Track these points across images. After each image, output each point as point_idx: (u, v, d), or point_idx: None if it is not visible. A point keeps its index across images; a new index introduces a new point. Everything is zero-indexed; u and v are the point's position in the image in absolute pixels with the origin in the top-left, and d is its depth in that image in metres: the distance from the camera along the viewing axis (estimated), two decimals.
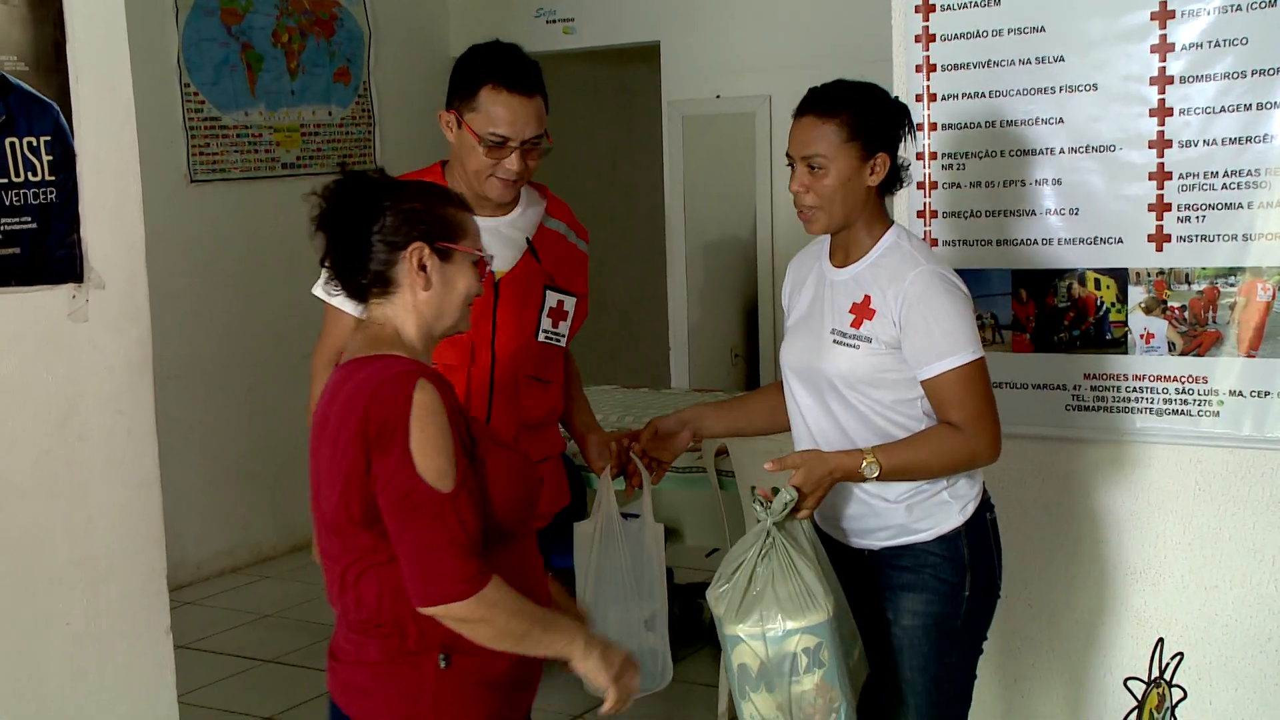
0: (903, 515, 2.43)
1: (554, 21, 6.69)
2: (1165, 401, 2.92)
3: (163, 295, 3.04)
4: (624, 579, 2.66)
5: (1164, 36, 2.83)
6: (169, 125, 5.49)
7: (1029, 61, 2.96)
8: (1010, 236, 3.03)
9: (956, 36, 3.03)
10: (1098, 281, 2.96)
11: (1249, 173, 2.79)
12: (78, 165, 2.70)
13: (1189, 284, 2.87)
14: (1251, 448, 2.85)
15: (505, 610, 1.94)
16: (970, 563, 2.43)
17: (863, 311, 2.41)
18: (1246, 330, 2.82)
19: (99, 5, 2.74)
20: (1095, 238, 2.95)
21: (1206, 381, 2.87)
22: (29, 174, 2.65)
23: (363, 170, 2.08)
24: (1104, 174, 2.92)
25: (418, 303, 2.02)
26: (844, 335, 2.42)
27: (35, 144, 2.65)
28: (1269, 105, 2.75)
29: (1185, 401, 2.90)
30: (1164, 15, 2.82)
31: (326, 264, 2.06)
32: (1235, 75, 2.78)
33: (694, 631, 4.59)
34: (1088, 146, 2.93)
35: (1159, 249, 2.89)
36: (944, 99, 3.06)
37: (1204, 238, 2.84)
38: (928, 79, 3.06)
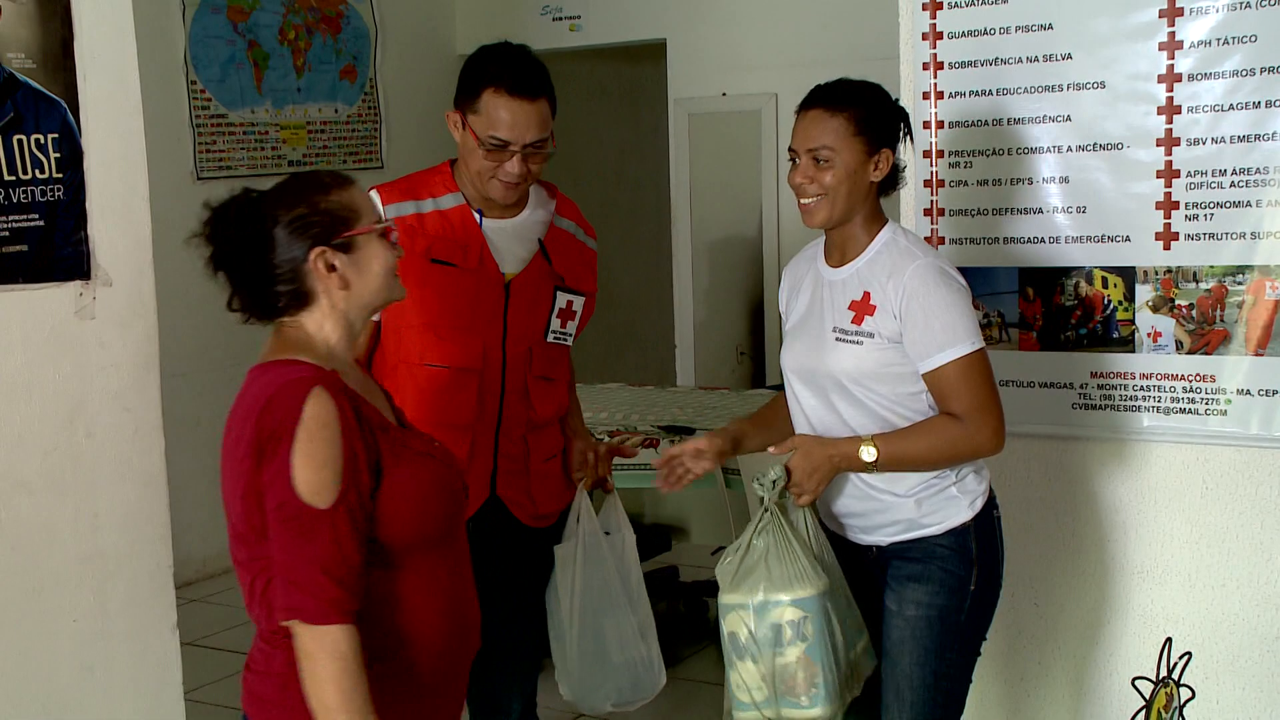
0: (912, 510, 2.43)
1: (560, 19, 6.69)
2: (1172, 400, 2.92)
3: (169, 292, 3.04)
4: (614, 592, 2.66)
5: (1172, 34, 2.82)
6: (175, 123, 5.50)
7: (1036, 59, 2.95)
8: (1017, 234, 3.03)
9: (964, 34, 3.03)
10: (1105, 280, 2.96)
11: (1257, 171, 2.78)
12: (85, 163, 2.70)
13: (1196, 282, 2.86)
14: (1259, 446, 2.84)
15: (332, 664, 1.81)
16: (978, 557, 2.45)
17: (863, 308, 2.42)
18: (1254, 329, 2.81)
19: (106, 3, 2.74)
20: (1102, 236, 2.94)
21: (1214, 380, 2.87)
22: (36, 171, 2.65)
23: (233, 197, 1.97)
24: (1111, 172, 2.91)
25: (337, 303, 1.96)
26: (846, 333, 2.43)
27: (43, 141, 2.65)
28: (1278, 103, 2.74)
29: (1192, 400, 2.89)
30: (1172, 12, 2.82)
31: (235, 305, 1.98)
32: (1244, 73, 2.77)
33: (699, 630, 4.59)
34: (1095, 144, 2.92)
35: (1166, 247, 2.88)
36: (951, 97, 3.05)
37: (1212, 236, 2.84)
38: (935, 77, 3.06)
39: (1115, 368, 2.96)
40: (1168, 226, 2.88)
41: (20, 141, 2.62)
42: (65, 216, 2.68)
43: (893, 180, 2.50)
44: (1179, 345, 2.89)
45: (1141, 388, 2.94)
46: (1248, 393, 2.83)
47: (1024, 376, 3.04)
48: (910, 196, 3.08)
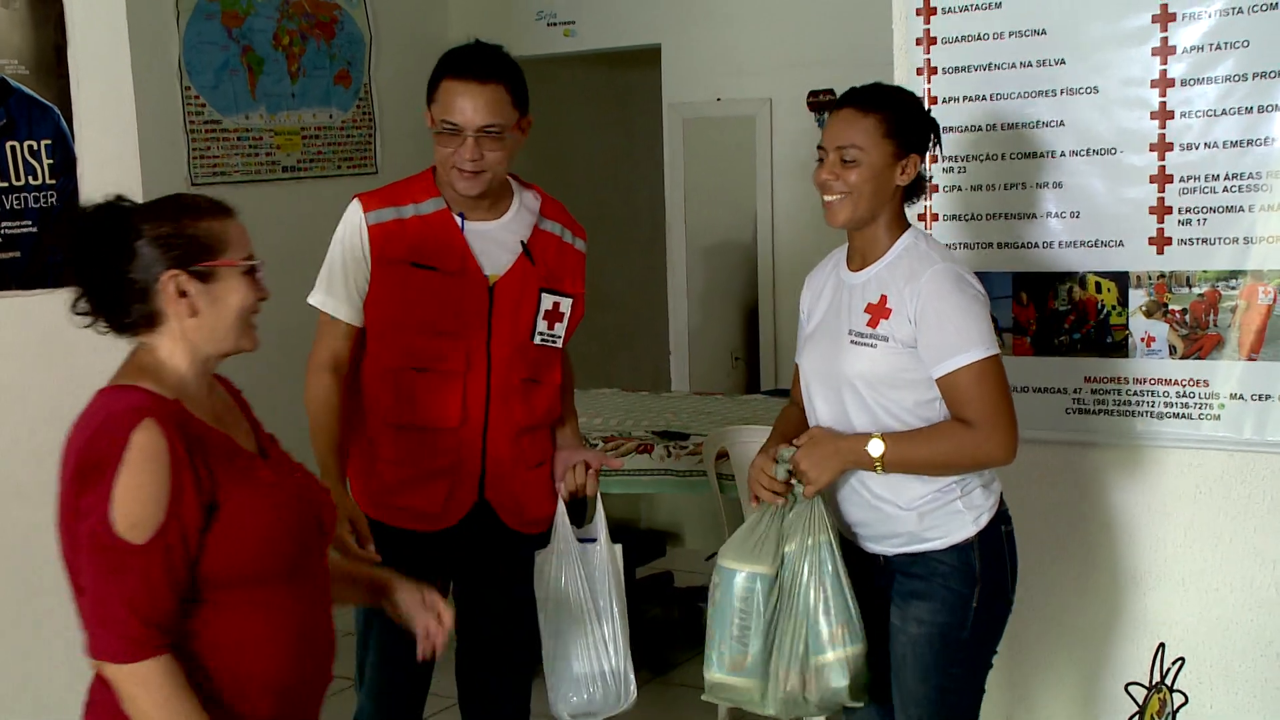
0: (914, 523, 2.42)
1: (555, 24, 6.68)
2: (1166, 405, 2.92)
3: None
4: (581, 603, 2.66)
5: (1165, 39, 2.83)
6: (170, 128, 5.48)
7: (1030, 64, 2.96)
8: (1011, 239, 3.03)
9: (957, 39, 3.03)
10: (1099, 285, 2.96)
11: (1250, 176, 2.78)
12: (78, 169, 2.71)
13: (1190, 287, 2.86)
14: (1252, 451, 2.85)
15: (150, 699, 1.76)
16: (981, 574, 2.42)
17: (879, 311, 2.41)
18: (1247, 333, 2.82)
19: (100, 9, 2.74)
20: (1096, 240, 2.95)
21: (1207, 385, 2.87)
22: (29, 178, 2.65)
23: (105, 202, 1.93)
24: (1105, 177, 2.92)
25: (186, 330, 1.90)
26: (861, 335, 2.43)
27: (36, 148, 2.66)
28: (1270, 108, 2.75)
29: (1186, 405, 2.90)
30: (1165, 18, 2.82)
31: (80, 309, 1.92)
32: (1236, 78, 2.78)
33: (693, 636, 4.58)
34: (1089, 149, 2.93)
35: (1160, 252, 2.89)
36: (945, 102, 3.06)
37: (1205, 241, 2.84)
38: (929, 82, 3.06)
39: (1109, 372, 2.96)
40: (1161, 231, 2.88)
41: (13, 148, 2.62)
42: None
43: (917, 188, 2.49)
44: (1172, 350, 2.90)
45: (1135, 393, 2.95)
46: (1241, 397, 2.84)
47: (1018, 381, 3.03)
48: None
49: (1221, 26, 2.77)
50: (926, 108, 2.53)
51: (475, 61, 2.58)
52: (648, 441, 4.02)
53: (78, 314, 1.93)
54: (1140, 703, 2.85)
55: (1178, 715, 2.86)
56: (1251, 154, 2.78)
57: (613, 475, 3.90)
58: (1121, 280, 2.93)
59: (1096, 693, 3.05)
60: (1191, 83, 2.82)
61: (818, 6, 5.95)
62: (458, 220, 2.63)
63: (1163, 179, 2.87)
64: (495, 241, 2.65)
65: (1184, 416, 2.90)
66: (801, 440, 2.44)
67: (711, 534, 4.23)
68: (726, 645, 2.46)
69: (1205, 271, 2.85)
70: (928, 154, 2.49)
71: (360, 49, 6.30)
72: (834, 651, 2.41)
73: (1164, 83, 2.84)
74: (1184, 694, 2.84)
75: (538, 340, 2.67)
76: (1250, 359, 2.82)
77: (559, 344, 2.72)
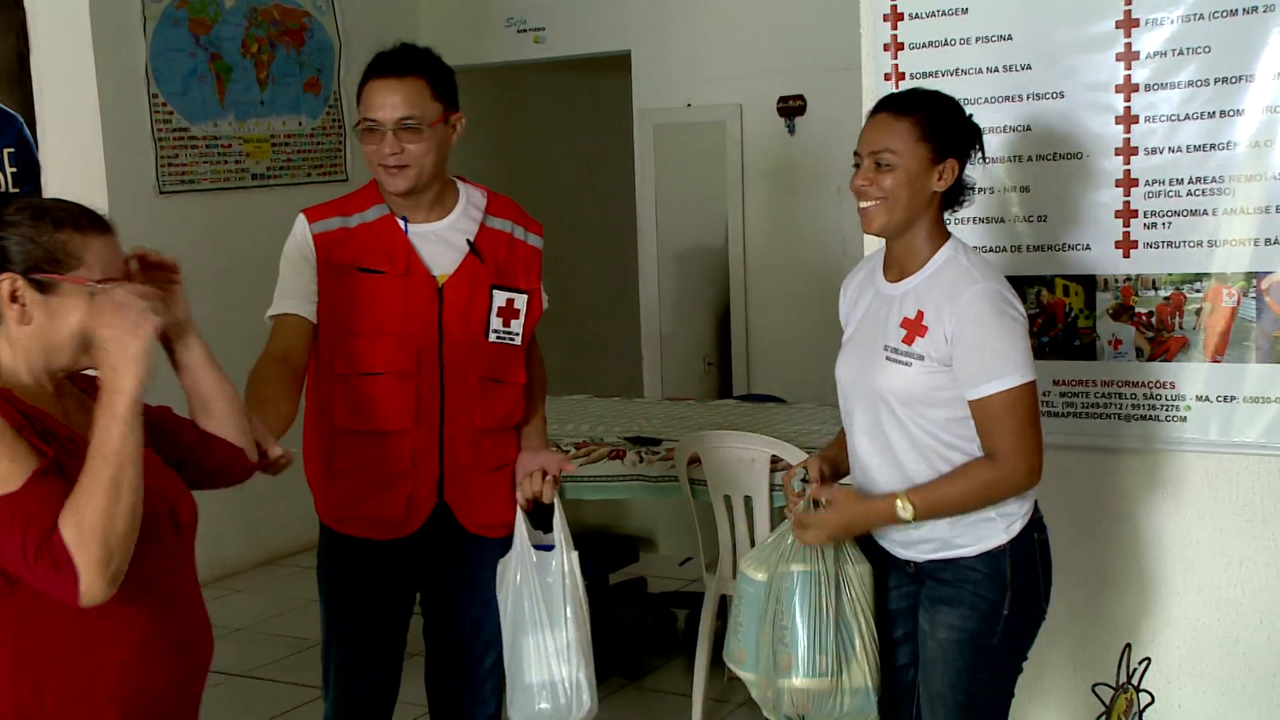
0: (945, 530, 2.39)
1: (525, 31, 6.69)
2: (1133, 407, 2.94)
3: None
4: (535, 610, 2.64)
5: (1129, 45, 2.85)
6: (137, 136, 5.45)
7: (996, 70, 2.98)
8: (978, 243, 3.04)
9: (924, 45, 3.05)
10: (1066, 288, 2.98)
11: (1213, 180, 2.81)
12: (43, 177, 2.69)
13: (1155, 290, 2.89)
14: (1218, 452, 2.87)
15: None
16: (1012, 581, 2.39)
17: (915, 328, 2.36)
18: (1212, 336, 2.84)
19: (63, 16, 2.73)
20: (1063, 244, 2.97)
21: (1174, 387, 2.90)
22: None
23: None
24: (1071, 181, 2.94)
25: (19, 337, 1.85)
26: (897, 352, 2.38)
27: None
28: (1232, 113, 2.78)
29: (1153, 407, 2.92)
30: (1129, 24, 2.85)
31: None
32: (1199, 83, 2.80)
33: (667, 641, 4.59)
34: (1055, 154, 2.95)
35: (1126, 255, 2.91)
36: None
37: (1170, 244, 2.87)
38: (896, 87, 3.07)
39: (1077, 375, 2.98)
40: (1127, 235, 2.91)
41: None
42: None
43: (957, 194, 2.43)
44: (1139, 352, 2.92)
45: (1102, 395, 2.97)
46: (1207, 399, 2.86)
47: None
48: None
49: (1184, 32, 2.80)
50: (968, 113, 2.44)
51: (393, 59, 2.62)
52: (620, 447, 4.02)
53: None
54: (1107, 703, 2.86)
55: (1144, 715, 2.88)
56: (1214, 158, 2.81)
57: (585, 481, 3.90)
58: (1088, 284, 2.95)
59: (1063, 693, 3.07)
60: (1155, 88, 2.84)
61: (787, 13, 5.98)
62: (401, 224, 2.63)
63: (1128, 183, 2.89)
64: (441, 242, 2.64)
65: (1151, 418, 2.93)
66: (826, 495, 2.41)
67: (684, 539, 4.23)
68: (732, 634, 2.57)
69: (1170, 274, 2.87)
70: (970, 161, 2.41)
71: (329, 56, 6.29)
72: (785, 679, 2.44)
73: (1128, 88, 2.87)
74: (1150, 694, 2.86)
75: (493, 338, 2.66)
76: (1215, 361, 2.84)
77: (518, 341, 2.70)
